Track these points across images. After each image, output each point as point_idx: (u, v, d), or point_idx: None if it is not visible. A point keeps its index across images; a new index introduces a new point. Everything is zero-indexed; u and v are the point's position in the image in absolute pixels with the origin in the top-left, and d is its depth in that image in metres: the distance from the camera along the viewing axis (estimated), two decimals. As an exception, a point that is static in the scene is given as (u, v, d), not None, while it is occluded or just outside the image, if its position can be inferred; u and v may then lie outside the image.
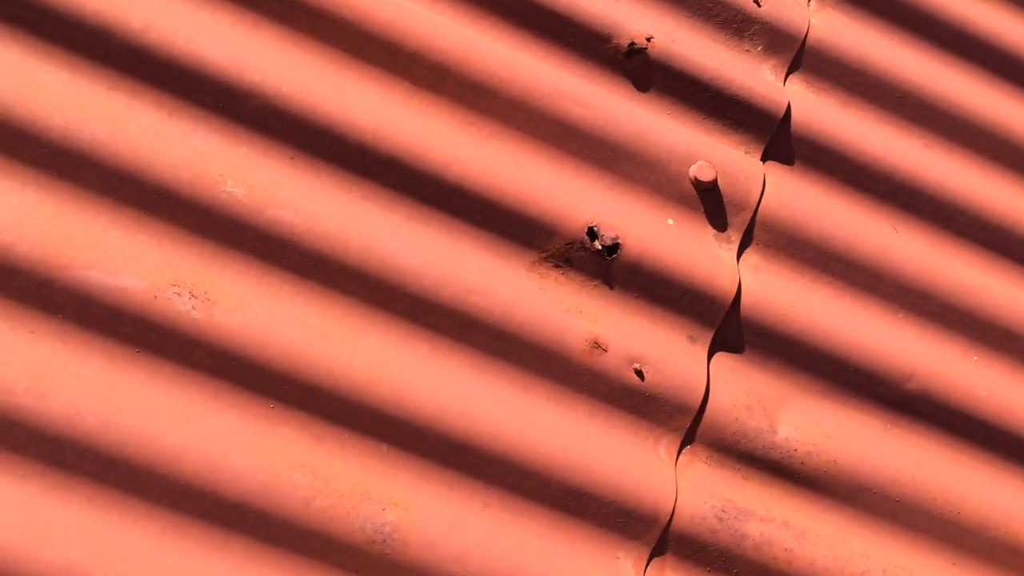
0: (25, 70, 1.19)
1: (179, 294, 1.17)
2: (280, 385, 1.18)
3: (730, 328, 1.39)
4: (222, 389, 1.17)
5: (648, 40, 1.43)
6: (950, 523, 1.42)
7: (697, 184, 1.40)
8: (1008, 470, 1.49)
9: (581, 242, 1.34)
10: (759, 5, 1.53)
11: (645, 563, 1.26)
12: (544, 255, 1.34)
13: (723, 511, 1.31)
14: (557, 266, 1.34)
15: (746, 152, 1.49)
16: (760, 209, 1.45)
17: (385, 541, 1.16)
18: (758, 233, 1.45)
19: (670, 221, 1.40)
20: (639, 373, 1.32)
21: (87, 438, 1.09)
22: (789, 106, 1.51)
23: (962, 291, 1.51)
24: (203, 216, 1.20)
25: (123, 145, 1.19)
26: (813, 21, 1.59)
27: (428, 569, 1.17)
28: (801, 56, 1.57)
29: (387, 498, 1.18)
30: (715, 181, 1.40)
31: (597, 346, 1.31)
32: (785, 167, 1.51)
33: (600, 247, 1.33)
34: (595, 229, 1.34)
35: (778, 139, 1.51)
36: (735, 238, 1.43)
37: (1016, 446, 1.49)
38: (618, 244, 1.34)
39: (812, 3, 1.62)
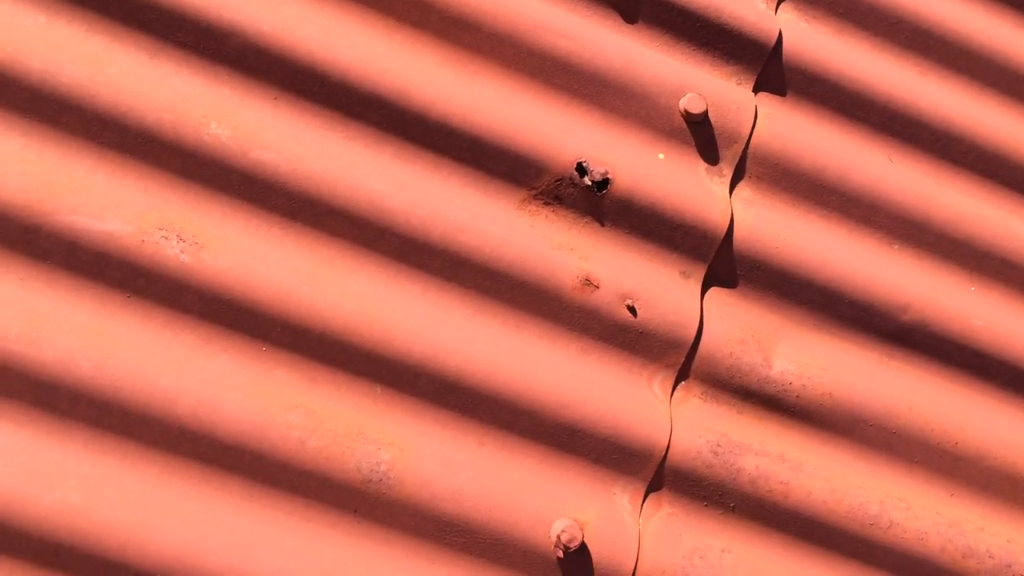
0: (1, 13, 1.17)
1: (167, 238, 1.16)
2: (271, 327, 1.18)
3: (723, 263, 1.38)
4: (214, 332, 1.17)
5: (635, -30, 1.40)
6: (947, 454, 1.42)
7: (687, 117, 1.38)
8: (1005, 400, 1.49)
9: (571, 178, 1.32)
10: (749, -68, 1.49)
11: (642, 498, 1.27)
12: (533, 192, 1.32)
13: (718, 446, 1.31)
14: (547, 203, 1.33)
15: (737, 83, 1.47)
16: (752, 141, 1.43)
17: (381, 480, 1.17)
18: (750, 166, 1.43)
19: (661, 155, 1.39)
20: (631, 309, 1.31)
21: (81, 383, 1.10)
22: (780, 35, 1.48)
23: (958, 220, 1.50)
24: (188, 159, 1.19)
25: (104, 88, 1.18)
26: (805, -51, 1.55)
27: (424, 507, 1.17)
28: (793, -16, 1.54)
29: (382, 438, 1.19)
30: (706, 113, 1.38)
31: (589, 283, 1.30)
32: (777, 98, 1.49)
33: (590, 183, 1.32)
34: (584, 165, 1.32)
35: (770, 69, 1.48)
36: (727, 171, 1.41)
37: (1013, 376, 1.49)
38: (608, 179, 1.32)
39: (804, -70, 1.58)
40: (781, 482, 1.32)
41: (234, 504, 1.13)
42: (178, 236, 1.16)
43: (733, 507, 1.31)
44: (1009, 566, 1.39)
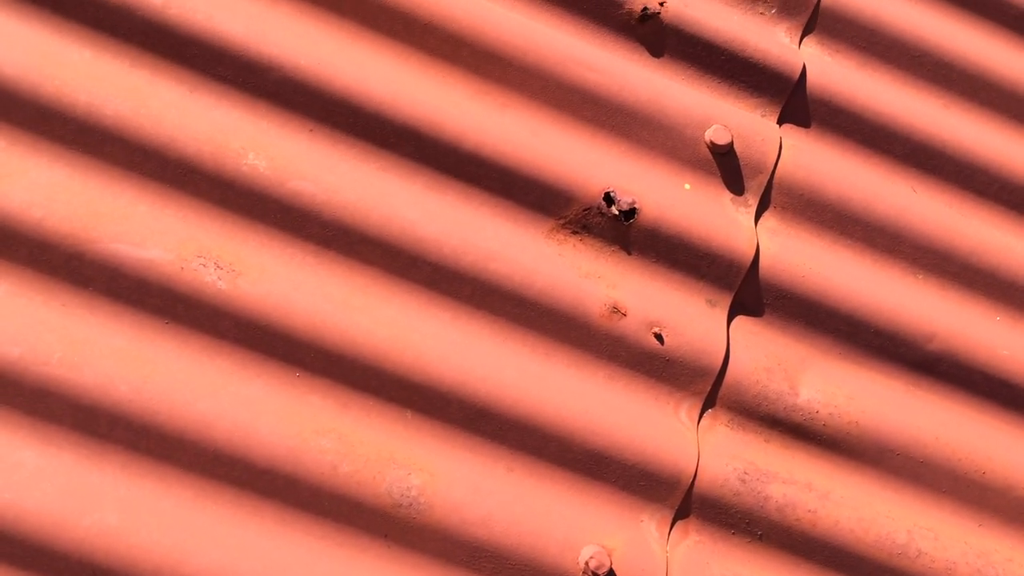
0: (50, 49, 1.21)
1: (205, 265, 1.19)
2: (305, 353, 1.21)
3: (749, 291, 1.40)
4: (249, 358, 1.19)
5: (661, 4, 1.43)
6: (975, 484, 1.42)
7: (713, 148, 1.40)
8: (1033, 430, 1.49)
9: (598, 208, 1.34)
10: (773, -32, 1.53)
11: (669, 525, 1.28)
12: (562, 221, 1.35)
13: (746, 473, 1.31)
14: (575, 232, 1.35)
15: (762, 115, 1.49)
16: (777, 172, 1.45)
17: (411, 505, 1.18)
18: (775, 196, 1.45)
19: (687, 186, 1.41)
20: (659, 337, 1.32)
21: (119, 407, 1.12)
22: (804, 68, 1.50)
23: (983, 250, 1.51)
24: (226, 189, 1.22)
25: (146, 121, 1.22)
26: (827, -17, 1.58)
27: (454, 532, 1.19)
28: (815, 18, 1.56)
29: (412, 463, 1.20)
30: (731, 145, 1.40)
31: (616, 311, 1.32)
32: (802, 129, 1.51)
33: (617, 212, 1.34)
34: (612, 194, 1.34)
35: (794, 101, 1.50)
36: (752, 201, 1.43)
37: (1040, 405, 1.49)
38: (635, 209, 1.34)
39: (826, -35, 1.61)
40: (808, 511, 1.32)
41: (267, 528, 1.14)
42: (216, 264, 1.19)
43: (760, 535, 1.31)
44: (1039, 598, 1.38)
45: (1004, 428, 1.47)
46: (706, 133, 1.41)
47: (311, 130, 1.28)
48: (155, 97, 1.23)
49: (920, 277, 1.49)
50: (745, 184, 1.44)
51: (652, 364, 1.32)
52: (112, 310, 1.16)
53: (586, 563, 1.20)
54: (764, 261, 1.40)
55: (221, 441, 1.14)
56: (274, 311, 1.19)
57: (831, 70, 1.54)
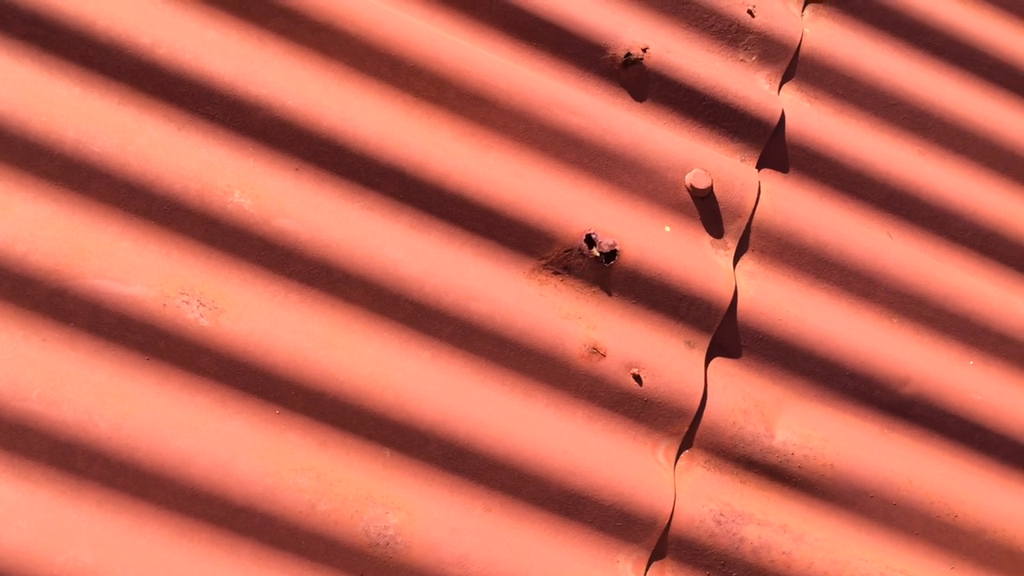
0: (38, 86, 1.22)
1: (187, 302, 1.20)
2: (286, 391, 1.21)
3: (727, 333, 1.42)
4: (229, 395, 1.20)
5: (644, 51, 1.46)
6: (947, 526, 1.44)
7: (693, 192, 1.43)
8: (1005, 474, 1.50)
9: (579, 249, 1.36)
10: (753, 16, 1.56)
11: (645, 566, 1.28)
12: (543, 262, 1.36)
13: (721, 515, 1.33)
14: (556, 273, 1.37)
15: (741, 160, 1.52)
16: (756, 216, 1.47)
17: (388, 544, 1.18)
18: (754, 240, 1.47)
19: (667, 228, 1.43)
20: (637, 378, 1.34)
21: (98, 443, 1.12)
22: (783, 114, 1.53)
23: (957, 296, 1.53)
24: (211, 226, 1.24)
25: (133, 158, 1.23)
26: (806, 31, 1.62)
27: (430, 572, 1.19)
28: (795, 65, 1.60)
29: (390, 502, 1.20)
30: (711, 189, 1.43)
31: (596, 351, 1.33)
32: (780, 174, 1.54)
33: (598, 254, 1.36)
34: (593, 236, 1.36)
35: (773, 147, 1.53)
36: (731, 245, 1.45)
37: (1012, 450, 1.51)
38: (616, 251, 1.36)
39: (806, 13, 1.65)
40: (783, 552, 1.33)
41: (243, 566, 1.14)
42: (199, 300, 1.20)
43: (735, 577, 1.32)
44: (1011, 642, 1.39)
45: (976, 472, 1.49)
46: (686, 177, 1.43)
47: (297, 169, 1.30)
48: (142, 134, 1.25)
49: (895, 321, 1.52)
50: (724, 227, 1.46)
51: (631, 405, 1.34)
52: (93, 346, 1.17)
53: (561, 604, 1.20)
54: (742, 304, 1.42)
55: (199, 478, 1.14)
56: (256, 348, 1.20)
57: (809, 117, 1.57)
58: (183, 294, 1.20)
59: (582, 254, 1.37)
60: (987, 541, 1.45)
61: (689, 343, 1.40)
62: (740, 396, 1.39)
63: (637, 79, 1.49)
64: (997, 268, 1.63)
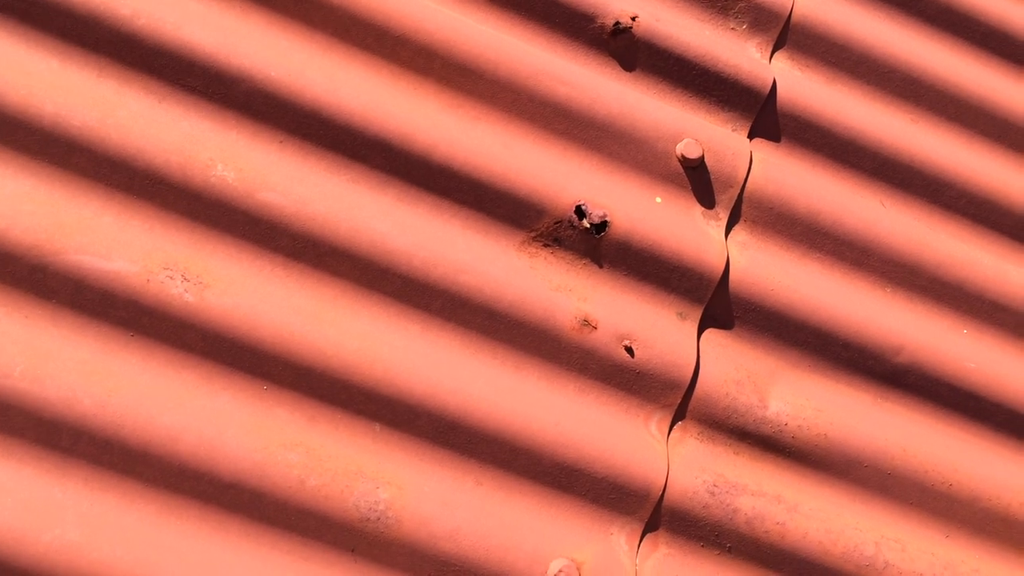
0: (16, 58, 1.20)
1: (171, 277, 1.18)
2: (273, 366, 1.20)
3: (719, 304, 1.40)
4: (216, 371, 1.18)
5: (633, 19, 1.44)
6: (942, 495, 1.43)
7: (684, 162, 1.41)
8: (998, 441, 1.50)
9: (569, 221, 1.35)
10: (743, -17, 1.54)
11: (639, 538, 1.28)
12: (533, 234, 1.35)
13: (715, 486, 1.32)
14: (546, 245, 1.35)
15: (733, 130, 1.50)
16: (747, 186, 1.46)
17: (379, 519, 1.17)
18: (746, 210, 1.46)
19: (658, 199, 1.41)
20: (629, 350, 1.33)
21: (83, 420, 1.11)
22: (775, 83, 1.52)
23: (950, 264, 1.52)
24: (194, 200, 1.22)
25: (114, 131, 1.20)
26: (798, -1, 1.60)
27: (422, 546, 1.18)
28: (786, 33, 1.58)
29: (380, 477, 1.19)
30: (702, 159, 1.41)
31: (587, 324, 1.32)
32: (772, 144, 1.52)
33: (588, 225, 1.34)
34: (583, 208, 1.35)
35: (764, 116, 1.52)
36: (723, 215, 1.44)
37: (1006, 418, 1.50)
38: (606, 222, 1.35)
39: (797, -19, 1.63)
40: (777, 523, 1.33)
41: (232, 543, 1.13)
42: (183, 276, 1.18)
43: (729, 548, 1.31)
44: (1005, 609, 1.39)
45: (970, 440, 1.48)
46: (677, 147, 1.42)
47: (281, 142, 1.28)
48: (123, 107, 1.22)
49: (888, 290, 1.51)
50: (716, 198, 1.44)
51: (622, 377, 1.33)
52: (76, 322, 1.15)
53: (555, 577, 1.20)
54: (734, 274, 1.41)
55: (186, 455, 1.13)
56: (241, 324, 1.19)
57: (801, 85, 1.55)
58: (167, 269, 1.18)
59: (572, 226, 1.35)
60: (982, 509, 1.44)
61: (681, 314, 1.38)
62: (733, 367, 1.38)
63: (626, 48, 1.47)
64: (990, 236, 1.62)
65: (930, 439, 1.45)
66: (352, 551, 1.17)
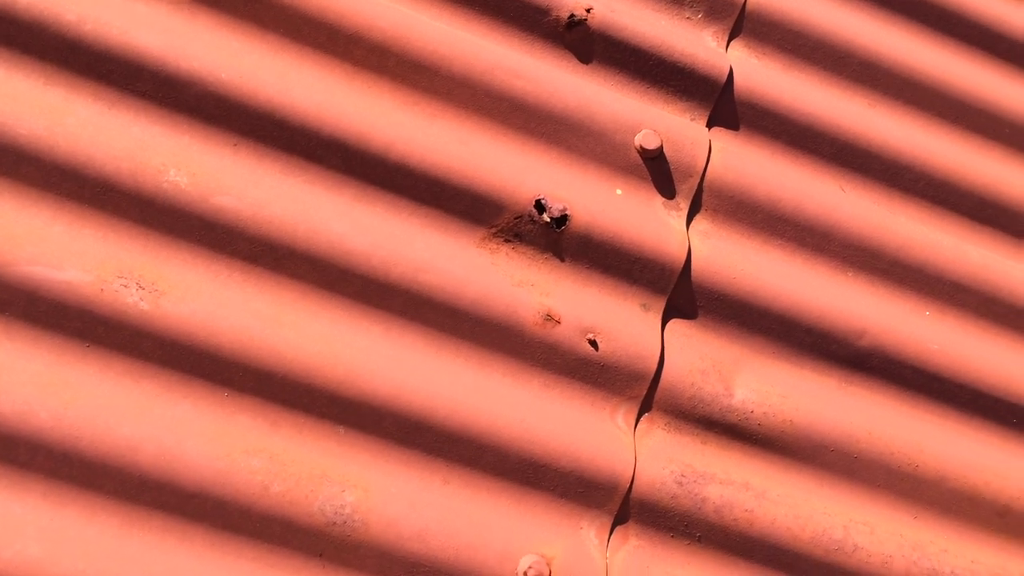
0: (-43, 68, 1.18)
1: (126, 286, 1.16)
2: (233, 372, 1.18)
3: (682, 294, 1.41)
4: (175, 379, 1.17)
5: (588, 11, 1.44)
6: (908, 476, 1.44)
7: (643, 153, 1.41)
8: (963, 421, 1.51)
9: (529, 215, 1.34)
10: (697, -28, 1.54)
11: (608, 531, 1.28)
12: (493, 230, 1.34)
13: (683, 476, 1.32)
14: (507, 240, 1.35)
15: (691, 119, 1.50)
16: (707, 175, 1.46)
17: (345, 522, 1.17)
18: (706, 199, 1.46)
19: (618, 191, 1.41)
20: (593, 343, 1.33)
21: (39, 434, 1.09)
22: (732, 71, 1.52)
23: (911, 247, 1.53)
24: (147, 206, 1.20)
25: (62, 139, 1.18)
26: (753, -14, 1.60)
27: (390, 548, 1.17)
28: (742, 21, 1.58)
29: (346, 480, 1.19)
30: (661, 149, 1.41)
31: (550, 318, 1.32)
32: (731, 132, 1.53)
33: (548, 219, 1.34)
34: (543, 202, 1.34)
35: (722, 105, 1.52)
36: (684, 205, 1.44)
37: (970, 397, 1.52)
38: (566, 216, 1.34)
39: (751, -31, 1.63)
40: (745, 510, 1.33)
41: (197, 552, 1.12)
42: (137, 284, 1.17)
43: (699, 537, 1.32)
44: (973, 586, 1.41)
45: (935, 421, 1.50)
46: (636, 138, 1.42)
47: (235, 145, 1.26)
48: (71, 115, 1.20)
49: (850, 274, 1.51)
50: (676, 188, 1.44)
51: (587, 370, 1.33)
52: (30, 334, 1.13)
53: (525, 572, 1.19)
54: (697, 264, 1.41)
55: (147, 465, 1.12)
56: (199, 330, 1.17)
57: (758, 73, 1.55)
58: (121, 278, 1.16)
59: (532, 220, 1.35)
60: (949, 489, 1.46)
61: (644, 306, 1.38)
62: (697, 356, 1.39)
63: (582, 41, 1.46)
64: (950, 217, 1.63)
65: (895, 421, 1.46)
66: (320, 556, 1.16)
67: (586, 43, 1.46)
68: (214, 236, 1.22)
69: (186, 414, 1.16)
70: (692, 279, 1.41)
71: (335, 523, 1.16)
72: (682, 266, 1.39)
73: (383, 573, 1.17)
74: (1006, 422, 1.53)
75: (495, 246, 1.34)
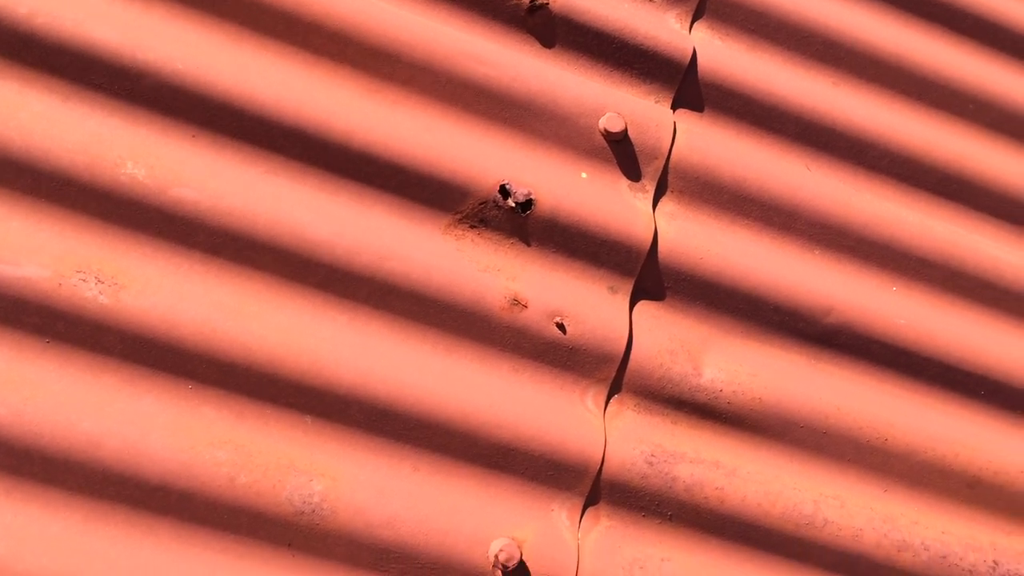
0: (-95, 63, 1.16)
1: (85, 280, 1.15)
2: (197, 365, 1.18)
3: (650, 276, 1.41)
4: (137, 373, 1.16)
5: (548, -5, 1.43)
6: (878, 450, 1.45)
7: (608, 136, 1.41)
8: (931, 395, 1.52)
9: (494, 201, 1.34)
10: (658, -46, 1.54)
11: (580, 513, 1.28)
12: (458, 216, 1.34)
13: (653, 456, 1.33)
14: (472, 226, 1.34)
15: (655, 101, 1.50)
16: (672, 156, 1.46)
17: (314, 511, 1.16)
18: (672, 180, 1.46)
19: (583, 174, 1.41)
20: (561, 327, 1.33)
21: None
22: (695, 53, 1.52)
23: (876, 224, 1.54)
24: (104, 200, 1.19)
25: (16, 133, 1.17)
26: (716, -32, 1.60)
27: (359, 536, 1.17)
28: (704, 3, 1.58)
29: (313, 469, 1.18)
30: (625, 132, 1.41)
31: (517, 303, 1.31)
32: (695, 114, 1.53)
33: (513, 204, 1.33)
34: (507, 187, 1.34)
35: (686, 86, 1.52)
36: (649, 187, 1.44)
37: (938, 371, 1.53)
38: (531, 200, 1.34)
39: (713, -51, 1.63)
40: (716, 488, 1.34)
41: (164, 546, 1.11)
42: (96, 278, 1.16)
43: (670, 516, 1.32)
44: (944, 557, 1.42)
45: (904, 395, 1.51)
46: (600, 121, 1.41)
47: (193, 136, 1.25)
48: (25, 109, 1.19)
49: (816, 252, 1.52)
50: (642, 170, 1.44)
51: (556, 354, 1.33)
52: (-12, 332, 1.12)
53: (496, 556, 1.20)
54: (663, 245, 1.42)
55: (110, 460, 1.11)
56: (160, 323, 1.16)
57: (722, 54, 1.55)
58: (79, 272, 1.15)
59: (497, 206, 1.34)
60: (918, 462, 1.47)
61: (612, 288, 1.38)
62: (666, 337, 1.39)
63: (544, 25, 1.46)
64: (914, 194, 1.64)
65: (864, 396, 1.47)
66: (289, 545, 1.16)
67: (548, 27, 1.46)
68: (174, 228, 1.21)
69: (149, 408, 1.15)
70: (659, 261, 1.41)
71: (303, 512, 1.16)
72: (649, 248, 1.39)
73: (353, 561, 1.17)
74: (974, 394, 1.54)
75: (460, 232, 1.34)
